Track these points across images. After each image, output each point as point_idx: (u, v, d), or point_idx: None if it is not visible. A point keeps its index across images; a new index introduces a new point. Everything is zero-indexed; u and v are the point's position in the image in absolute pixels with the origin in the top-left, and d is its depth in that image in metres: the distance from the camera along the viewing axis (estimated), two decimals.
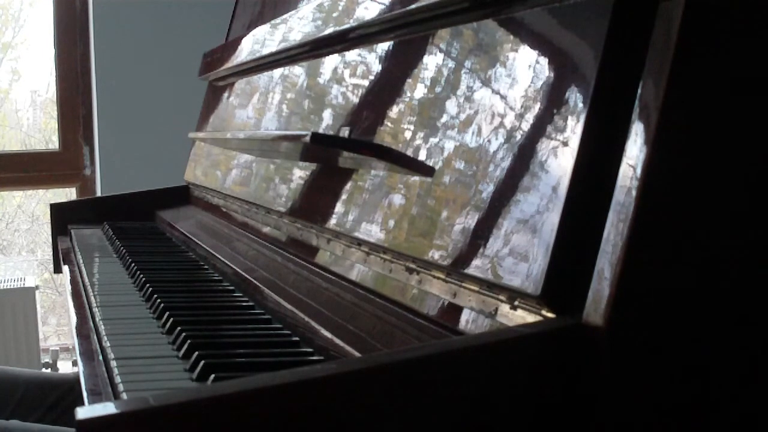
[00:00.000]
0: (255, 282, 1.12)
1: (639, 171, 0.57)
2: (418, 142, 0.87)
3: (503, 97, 0.75)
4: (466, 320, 0.71)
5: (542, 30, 0.73)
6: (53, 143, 2.89)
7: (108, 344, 0.91)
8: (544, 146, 0.67)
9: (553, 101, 0.68)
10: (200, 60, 1.98)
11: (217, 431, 0.50)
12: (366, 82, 1.07)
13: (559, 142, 0.65)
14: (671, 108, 0.57)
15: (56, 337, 3.46)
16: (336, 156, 1.04)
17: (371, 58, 1.07)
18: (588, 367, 0.57)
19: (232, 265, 1.24)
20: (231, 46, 1.74)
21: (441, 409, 0.55)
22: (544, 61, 0.71)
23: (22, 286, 2.65)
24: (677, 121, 0.58)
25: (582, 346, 0.57)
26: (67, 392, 1.36)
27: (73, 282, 1.32)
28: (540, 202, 0.65)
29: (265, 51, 1.43)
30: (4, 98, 3.56)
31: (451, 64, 0.86)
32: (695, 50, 0.58)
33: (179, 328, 0.92)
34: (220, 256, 1.31)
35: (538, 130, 0.68)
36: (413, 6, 0.92)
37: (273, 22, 1.44)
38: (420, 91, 0.91)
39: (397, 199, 0.88)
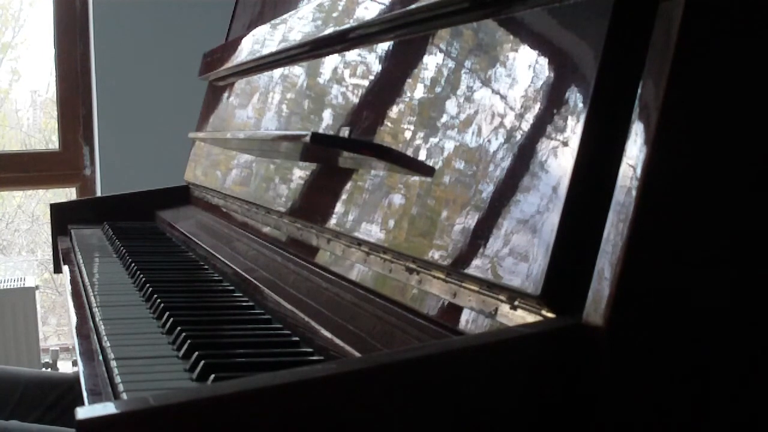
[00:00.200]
0: (255, 282, 1.12)
1: (639, 171, 0.57)
2: (418, 142, 0.87)
3: (503, 97, 0.75)
4: (466, 320, 0.71)
5: (542, 30, 0.73)
6: (53, 143, 2.89)
7: (108, 344, 0.91)
8: (544, 146, 0.67)
9: (553, 101, 0.68)
10: (200, 60, 1.98)
11: (217, 431, 0.50)
12: (366, 82, 1.07)
13: (559, 142, 0.65)
14: (671, 108, 0.57)
15: (56, 337, 3.46)
16: (336, 156, 1.04)
17: (371, 58, 1.07)
18: (588, 367, 0.57)
19: (232, 265, 1.24)
20: (231, 46, 1.74)
21: (441, 409, 0.55)
22: (544, 61, 0.71)
23: (22, 286, 2.65)
24: (677, 121, 0.58)
25: (582, 346, 0.57)
26: (66, 391, 1.36)
27: (73, 282, 1.32)
28: (540, 202, 0.65)
29: (265, 51, 1.43)
30: (4, 98, 3.56)
31: (451, 64, 0.86)
32: (695, 50, 0.58)
33: (179, 328, 0.92)
34: (220, 256, 1.31)
35: (538, 130, 0.68)
36: (413, 6, 0.92)
37: (273, 22, 1.44)
38: (420, 91, 0.91)
39: (397, 199, 0.88)
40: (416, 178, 0.85)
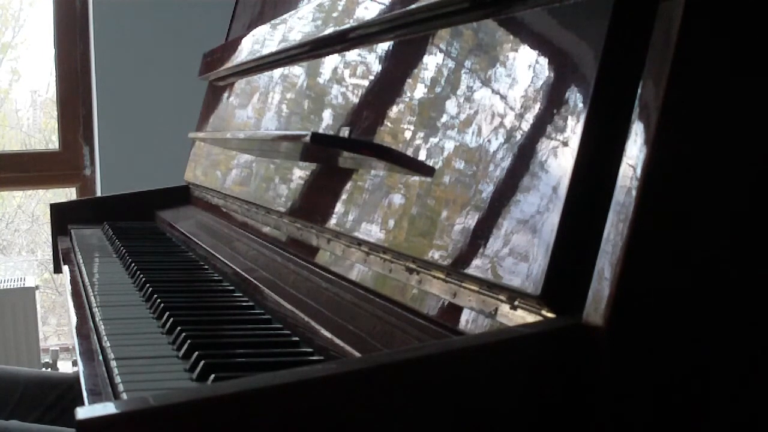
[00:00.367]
0: (255, 282, 1.12)
1: (639, 171, 0.57)
2: (418, 142, 0.87)
3: (503, 97, 0.75)
4: (466, 320, 0.71)
5: (542, 30, 0.73)
6: (53, 143, 2.89)
7: (108, 344, 0.91)
8: (544, 146, 0.67)
9: (553, 101, 0.68)
10: (200, 60, 1.98)
11: (217, 431, 0.50)
12: (366, 82, 1.07)
13: (559, 142, 0.65)
14: (671, 108, 0.57)
15: (56, 337, 3.46)
16: (336, 156, 1.04)
17: (371, 58, 1.07)
18: (588, 367, 0.57)
19: (232, 265, 1.24)
20: (231, 46, 1.74)
21: (441, 409, 0.55)
22: (544, 61, 0.71)
23: (22, 286, 2.65)
24: (677, 121, 0.58)
25: (582, 346, 0.57)
26: (66, 391, 1.36)
27: (73, 282, 1.32)
28: (540, 202, 0.65)
29: (265, 51, 1.43)
30: (4, 98, 3.56)
31: (451, 64, 0.86)
32: (695, 50, 0.58)
33: (179, 328, 0.92)
34: (220, 256, 1.31)
35: (538, 130, 0.68)
36: (413, 6, 0.92)
37: (273, 22, 1.44)
38: (420, 91, 0.91)
39: (397, 199, 0.88)
40: (416, 178, 0.85)
